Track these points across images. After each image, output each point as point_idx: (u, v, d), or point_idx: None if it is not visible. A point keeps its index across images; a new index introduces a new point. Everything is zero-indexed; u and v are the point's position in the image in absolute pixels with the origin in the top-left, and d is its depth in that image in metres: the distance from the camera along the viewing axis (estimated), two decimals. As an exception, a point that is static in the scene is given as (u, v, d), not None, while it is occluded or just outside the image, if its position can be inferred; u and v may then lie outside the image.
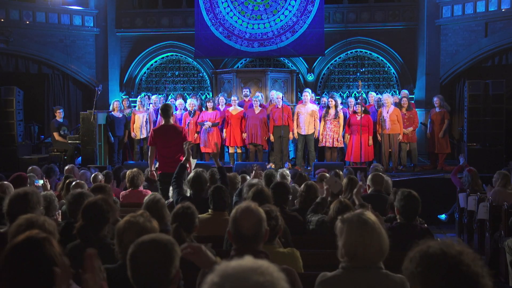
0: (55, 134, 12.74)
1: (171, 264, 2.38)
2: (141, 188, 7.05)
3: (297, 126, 11.68)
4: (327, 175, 7.41)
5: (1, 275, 2.26)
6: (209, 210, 4.83)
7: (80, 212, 3.65)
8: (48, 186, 7.02)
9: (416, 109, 12.40)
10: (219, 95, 12.80)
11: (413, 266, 2.08)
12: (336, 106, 11.62)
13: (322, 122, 11.61)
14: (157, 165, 7.60)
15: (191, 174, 5.76)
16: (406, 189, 4.52)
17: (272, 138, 11.65)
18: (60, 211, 5.13)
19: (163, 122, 7.61)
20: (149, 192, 6.65)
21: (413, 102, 13.43)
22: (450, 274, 1.96)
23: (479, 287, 1.92)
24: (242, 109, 12.06)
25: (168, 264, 2.38)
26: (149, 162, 7.66)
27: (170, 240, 2.46)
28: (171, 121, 7.60)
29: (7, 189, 5.25)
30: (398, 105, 11.88)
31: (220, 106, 12.18)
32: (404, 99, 12.02)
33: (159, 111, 8.00)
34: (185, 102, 12.83)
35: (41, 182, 7.22)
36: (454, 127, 14.05)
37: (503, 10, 13.70)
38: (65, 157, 12.44)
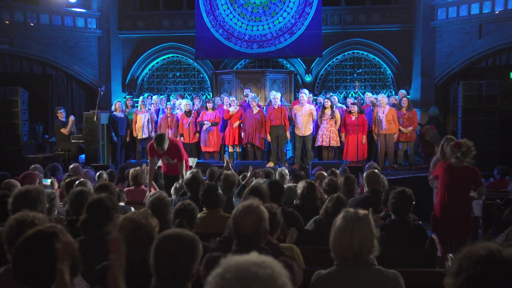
0: (63, 130, 12.74)
1: (195, 260, 2.42)
2: (143, 186, 7.09)
3: (293, 127, 11.74)
4: (325, 173, 7.45)
5: (14, 265, 2.30)
6: (204, 209, 4.84)
7: (86, 207, 3.68)
8: (56, 185, 7.05)
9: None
10: (223, 95, 12.82)
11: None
12: (332, 107, 11.68)
13: (319, 122, 11.69)
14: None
15: (188, 176, 5.77)
16: (400, 187, 4.55)
17: (269, 138, 11.68)
18: (64, 208, 5.16)
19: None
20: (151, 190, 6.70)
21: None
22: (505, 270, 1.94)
23: None
24: (240, 108, 12.14)
25: (191, 260, 2.41)
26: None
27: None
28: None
29: (12, 187, 5.26)
30: (398, 105, 11.90)
31: (224, 106, 12.22)
32: (404, 99, 11.96)
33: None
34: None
35: (49, 181, 7.26)
36: (448, 127, 14.07)
37: (496, 12, 13.73)
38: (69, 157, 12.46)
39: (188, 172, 5.96)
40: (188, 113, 12.20)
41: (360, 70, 16.04)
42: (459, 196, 5.58)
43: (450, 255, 3.85)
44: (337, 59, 15.99)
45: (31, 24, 15.02)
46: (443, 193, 5.63)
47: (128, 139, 12.78)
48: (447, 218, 5.53)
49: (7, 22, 14.60)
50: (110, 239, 2.22)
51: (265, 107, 12.19)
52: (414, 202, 4.49)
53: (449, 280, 2.03)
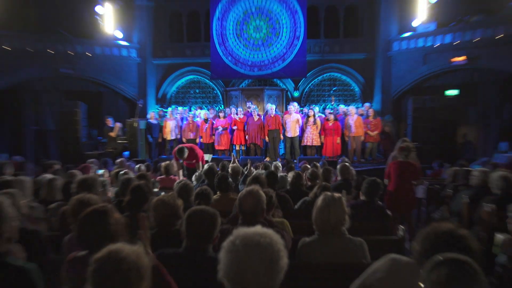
0: (111, 134, 12.82)
1: (215, 228, 2.49)
2: (172, 176, 7.09)
3: (285, 131, 11.79)
4: (308, 166, 7.46)
5: (78, 233, 2.37)
6: (218, 193, 4.85)
7: (129, 191, 3.70)
8: (107, 175, 7.07)
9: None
10: (231, 106, 12.85)
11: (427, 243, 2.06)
12: (314, 115, 11.72)
13: (304, 127, 11.73)
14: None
15: (205, 168, 5.78)
16: (372, 177, 4.58)
17: (267, 139, 11.74)
18: (112, 192, 5.18)
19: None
20: (178, 178, 6.70)
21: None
22: (459, 243, 2.00)
23: (471, 249, 1.98)
24: (245, 116, 12.18)
25: (213, 227, 2.48)
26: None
27: (216, 212, 2.55)
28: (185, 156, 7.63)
29: (75, 176, 5.29)
30: (365, 114, 11.94)
31: (232, 115, 12.25)
32: (370, 110, 12.05)
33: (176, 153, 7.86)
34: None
35: (101, 171, 7.29)
36: (400, 131, 14.07)
37: (436, 45, 13.71)
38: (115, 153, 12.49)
39: (206, 165, 5.98)
40: (205, 120, 12.24)
41: (335, 88, 16.02)
42: (405, 183, 5.84)
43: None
44: (318, 79, 15.96)
45: (88, 54, 15.02)
46: (394, 181, 5.87)
47: (160, 140, 12.83)
48: (397, 199, 5.76)
49: (71, 53, 14.65)
50: (139, 217, 2.25)
51: (263, 116, 12.21)
52: (381, 191, 4.51)
53: (416, 246, 2.07)
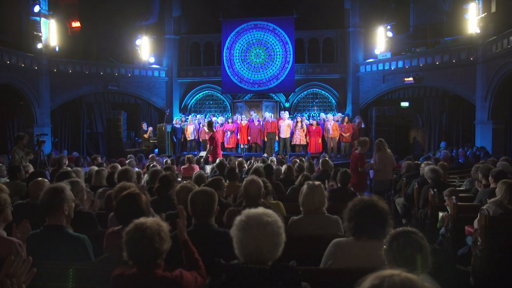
0: (145, 135, 12.84)
1: (214, 204, 2.37)
2: (192, 165, 7.04)
3: (279, 133, 11.77)
4: (297, 160, 7.41)
5: (116, 211, 2.35)
6: (227, 181, 4.79)
7: (157, 180, 3.65)
8: (137, 166, 7.02)
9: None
10: (237, 114, 12.85)
11: (353, 211, 2.07)
12: (301, 121, 11.71)
13: (294, 130, 11.71)
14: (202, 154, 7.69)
15: (217, 162, 5.73)
16: (344, 168, 4.55)
17: (266, 139, 11.72)
18: (144, 180, 5.14)
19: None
20: (197, 168, 6.66)
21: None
22: (372, 210, 2.01)
23: (385, 214, 1.99)
24: (248, 122, 12.15)
25: (212, 204, 2.36)
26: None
27: (213, 191, 2.44)
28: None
29: (116, 168, 5.25)
30: (340, 120, 12.03)
31: (238, 121, 12.22)
32: (344, 117, 12.18)
33: (207, 124, 8.00)
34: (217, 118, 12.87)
35: (133, 162, 7.23)
36: (367, 133, 14.02)
37: (393, 68, 13.75)
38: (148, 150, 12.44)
39: (217, 159, 5.93)
40: (220, 125, 12.17)
41: (317, 100, 15.90)
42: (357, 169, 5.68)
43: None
44: (303, 93, 15.83)
45: (129, 75, 14.94)
46: (352, 168, 5.69)
47: (182, 140, 12.79)
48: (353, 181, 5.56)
49: (116, 74, 14.63)
50: (179, 208, 2.19)
51: (262, 122, 12.19)
52: (351, 179, 4.48)
53: (345, 223, 2.09)
